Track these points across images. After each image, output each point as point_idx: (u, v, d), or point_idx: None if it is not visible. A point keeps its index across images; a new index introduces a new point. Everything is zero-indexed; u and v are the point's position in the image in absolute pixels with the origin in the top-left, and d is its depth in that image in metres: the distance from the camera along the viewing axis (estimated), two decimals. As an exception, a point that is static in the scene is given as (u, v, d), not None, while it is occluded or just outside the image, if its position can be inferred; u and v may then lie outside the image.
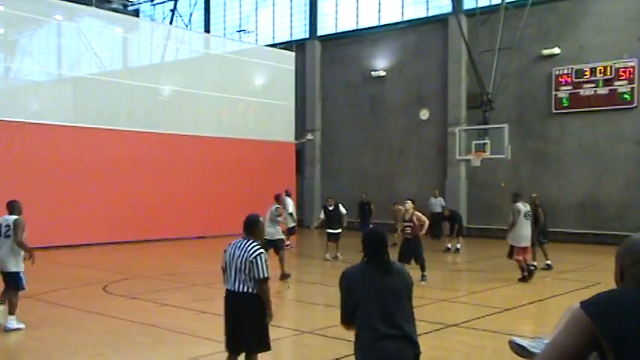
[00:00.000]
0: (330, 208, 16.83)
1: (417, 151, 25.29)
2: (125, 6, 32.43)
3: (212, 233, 22.38)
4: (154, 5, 33.52)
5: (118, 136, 20.65)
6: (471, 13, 22.84)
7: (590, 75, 20.86)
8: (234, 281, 5.68)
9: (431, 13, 25.31)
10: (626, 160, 20.53)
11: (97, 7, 22.55)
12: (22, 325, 8.62)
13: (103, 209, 19.69)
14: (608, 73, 20.49)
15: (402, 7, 25.98)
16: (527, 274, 12.89)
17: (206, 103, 24.11)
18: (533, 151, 22.23)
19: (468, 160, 21.55)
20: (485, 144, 20.44)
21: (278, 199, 14.95)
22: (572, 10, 21.56)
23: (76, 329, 9.02)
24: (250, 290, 5.66)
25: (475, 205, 23.39)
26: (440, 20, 24.69)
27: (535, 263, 14.49)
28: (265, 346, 5.79)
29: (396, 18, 26.13)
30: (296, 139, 26.88)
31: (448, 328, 8.89)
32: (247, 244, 5.66)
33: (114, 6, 29.01)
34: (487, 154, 20.35)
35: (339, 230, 16.51)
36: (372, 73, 26.26)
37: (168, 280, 13.22)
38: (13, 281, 8.64)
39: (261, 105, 25.78)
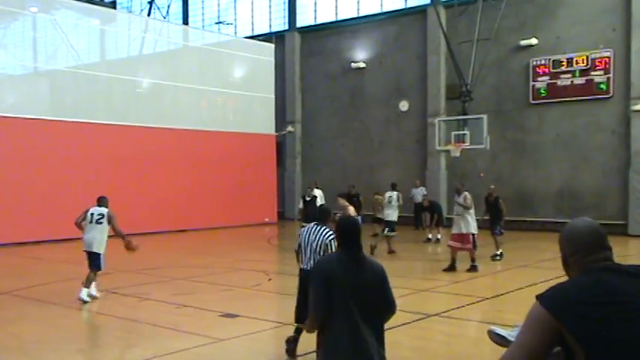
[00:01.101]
0: (308, 199, 16.57)
1: (396, 142, 25.36)
2: (101, -2, 32.03)
3: (193, 227, 22.31)
4: (131, -3, 33.17)
5: (96, 129, 20.43)
6: (450, 5, 22.88)
7: (567, 65, 21.06)
8: (310, 261, 6.49)
9: (409, 5, 25.33)
10: (603, 149, 20.79)
11: (72, -2, 22.25)
12: (90, 298, 10.00)
13: (82, 203, 19.40)
14: (585, 64, 20.70)
15: (381, -2, 25.99)
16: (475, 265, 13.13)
17: (185, 96, 23.95)
18: (512, 141, 22.41)
19: (448, 151, 21.67)
20: (464, 134, 20.55)
21: (394, 187, 17.06)
22: (549, 1, 21.72)
23: (55, 325, 8.94)
24: None
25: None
26: (418, 12, 24.74)
27: (500, 251, 14.70)
28: None
29: (375, 9, 26.13)
30: (276, 132, 26.82)
31: (429, 318, 8.96)
32: (322, 230, 6.46)
33: (90, -2, 28.63)
34: (466, 145, 20.47)
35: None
36: (352, 64, 26.26)
37: (149, 274, 13.14)
38: (96, 260, 10.04)
39: (241, 97, 25.67)
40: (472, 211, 13.20)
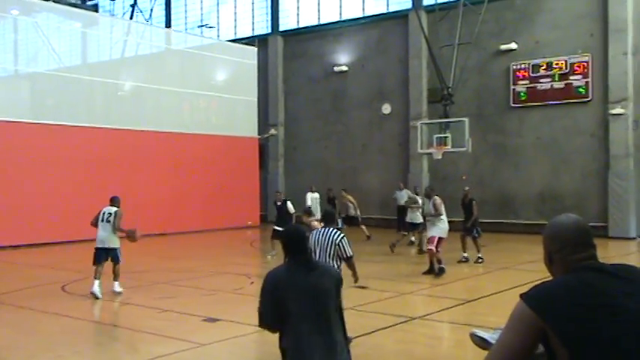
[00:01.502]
0: (279, 204, 16.28)
1: (379, 145, 25.45)
2: (83, 0, 31.81)
3: (175, 230, 22.17)
4: (114, 0, 32.91)
5: (78, 132, 20.25)
6: (431, 9, 23.05)
7: (547, 69, 21.30)
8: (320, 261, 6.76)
9: (391, 9, 25.46)
10: (583, 152, 21.02)
11: (54, 1, 22.09)
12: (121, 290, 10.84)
13: (63, 207, 19.31)
14: (564, 68, 20.95)
15: (363, 2, 26.08)
16: (442, 267, 12.94)
17: (167, 99, 23.84)
18: (493, 144, 22.59)
19: (430, 154, 21.77)
20: (446, 137, 20.66)
21: (415, 190, 17.91)
22: (528, 6, 21.97)
23: (32, 331, 8.83)
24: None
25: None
26: (400, 16, 24.87)
27: (466, 254, 14.73)
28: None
29: (357, 13, 26.23)
30: (259, 134, 26.79)
31: (412, 321, 8.99)
32: (331, 232, 6.63)
33: (72, 1, 28.43)
34: (448, 148, 20.59)
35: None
36: (335, 68, 26.31)
37: (130, 278, 13.01)
38: (115, 256, 10.81)
39: (224, 100, 25.61)
40: (443, 216, 13.24)
